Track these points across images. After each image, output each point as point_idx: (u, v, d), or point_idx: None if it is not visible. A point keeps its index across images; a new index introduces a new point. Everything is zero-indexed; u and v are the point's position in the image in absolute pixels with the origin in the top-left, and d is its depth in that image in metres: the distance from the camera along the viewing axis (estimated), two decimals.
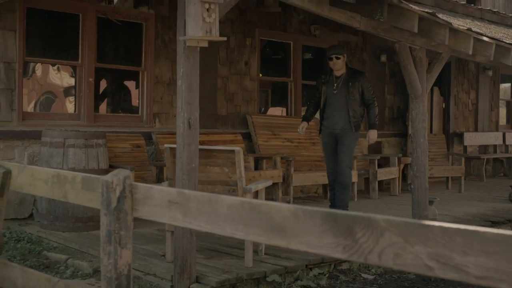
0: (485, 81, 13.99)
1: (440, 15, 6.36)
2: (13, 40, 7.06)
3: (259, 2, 9.08)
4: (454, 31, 6.19)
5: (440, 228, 1.72)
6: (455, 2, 11.77)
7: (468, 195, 10.35)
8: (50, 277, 3.60)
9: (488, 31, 8.72)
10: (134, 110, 10.63)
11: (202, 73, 4.83)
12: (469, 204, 9.31)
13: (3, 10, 6.97)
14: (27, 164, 6.71)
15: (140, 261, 5.18)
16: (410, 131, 11.11)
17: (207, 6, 4.39)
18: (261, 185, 5.32)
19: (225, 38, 4.94)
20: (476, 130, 13.74)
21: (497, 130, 14.36)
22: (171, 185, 5.01)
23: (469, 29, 6.41)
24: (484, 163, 12.97)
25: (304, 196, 9.77)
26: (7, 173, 3.59)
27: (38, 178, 3.39)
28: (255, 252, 5.37)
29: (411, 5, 5.78)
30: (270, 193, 8.13)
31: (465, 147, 13.21)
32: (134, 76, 9.44)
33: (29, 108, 9.92)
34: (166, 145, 5.18)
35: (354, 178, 8.75)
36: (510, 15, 13.72)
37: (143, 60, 8.28)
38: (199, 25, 4.38)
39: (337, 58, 7.33)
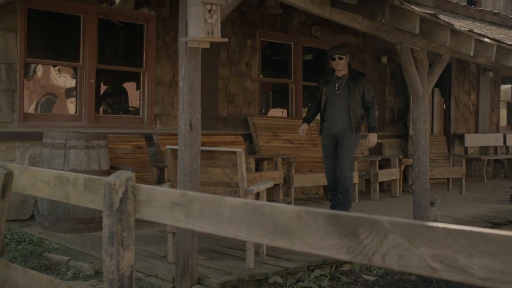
0: (486, 82, 13.99)
1: (441, 16, 6.35)
2: (14, 41, 7.06)
3: (260, 4, 9.07)
4: (455, 32, 6.19)
5: (444, 230, 1.72)
6: (456, 4, 11.76)
7: (469, 196, 10.35)
8: (52, 278, 3.60)
9: (489, 32, 8.71)
10: (131, 111, 10.64)
11: (203, 74, 4.83)
12: (470, 205, 9.31)
13: (4, 11, 6.97)
14: (28, 165, 6.71)
15: (142, 263, 5.17)
16: (411, 133, 11.13)
17: (208, 7, 4.39)
18: (262, 186, 5.32)
19: (226, 40, 4.94)
20: (476, 131, 13.73)
21: (497, 131, 14.35)
22: (173, 186, 5.01)
23: (471, 30, 6.41)
24: (485, 164, 12.97)
25: (305, 198, 9.77)
26: (9, 174, 3.58)
27: (40, 179, 3.38)
28: (257, 253, 5.36)
29: (412, 7, 5.78)
30: (271, 194, 8.12)
31: (465, 148, 13.20)
32: (135, 77, 9.43)
33: (30, 109, 9.91)
34: (167, 147, 5.18)
35: (355, 180, 8.74)
36: (511, 16, 13.72)
37: (144, 61, 8.29)
38: (200, 26, 4.38)
39: (340, 58, 7.31)
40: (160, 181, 7.50)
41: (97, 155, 6.51)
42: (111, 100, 10.46)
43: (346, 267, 5.70)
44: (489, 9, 13.13)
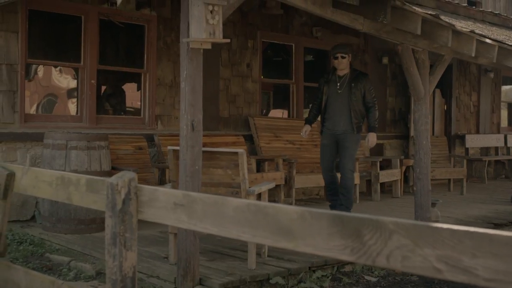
0: (487, 83, 13.99)
1: (442, 17, 6.35)
2: (15, 42, 7.06)
3: (261, 4, 9.07)
4: (457, 33, 6.19)
5: (449, 231, 1.71)
6: (457, 4, 11.76)
7: (470, 197, 10.34)
8: (54, 279, 3.59)
9: (490, 33, 8.70)
10: (131, 112, 10.63)
11: (204, 75, 4.83)
12: (471, 206, 9.30)
13: (5, 12, 6.97)
14: (29, 166, 6.70)
15: (143, 263, 5.17)
16: (411, 133, 11.14)
17: (210, 8, 4.39)
18: (264, 187, 5.32)
19: (228, 40, 4.94)
20: (477, 132, 13.73)
21: (498, 132, 14.35)
22: (174, 187, 5.01)
23: (472, 31, 6.40)
24: (486, 165, 12.96)
25: (306, 198, 9.77)
26: (11, 175, 3.58)
27: (42, 180, 3.38)
28: (258, 254, 5.36)
29: (414, 7, 5.78)
30: (272, 195, 8.12)
31: (466, 149, 13.20)
32: (136, 78, 9.44)
33: (31, 110, 9.91)
34: (169, 147, 5.18)
35: (356, 180, 8.75)
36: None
37: (145, 62, 8.29)
38: (202, 27, 4.38)
39: (343, 57, 7.28)
40: (161, 182, 7.50)
41: (98, 156, 6.51)
42: (110, 101, 10.46)
43: (347, 268, 5.69)
44: (490, 10, 13.12)
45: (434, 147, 11.02)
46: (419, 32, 5.77)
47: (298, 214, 2.07)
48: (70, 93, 11.10)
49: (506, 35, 9.59)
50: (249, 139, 9.12)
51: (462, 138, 13.16)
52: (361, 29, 6.04)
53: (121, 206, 2.72)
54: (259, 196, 5.33)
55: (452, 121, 13.07)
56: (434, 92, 12.00)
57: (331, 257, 2.00)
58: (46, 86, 11.04)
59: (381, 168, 9.86)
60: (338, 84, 7.34)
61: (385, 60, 11.28)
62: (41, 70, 10.69)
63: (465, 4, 12.37)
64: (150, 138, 8.00)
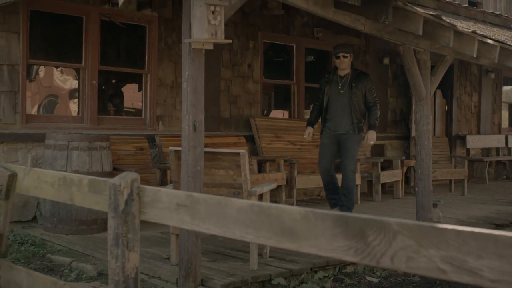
0: (488, 83, 13.98)
1: (443, 18, 6.34)
2: (17, 42, 7.06)
3: (262, 5, 9.07)
4: (458, 33, 6.18)
5: (454, 231, 1.71)
6: (458, 5, 11.75)
7: (471, 198, 10.34)
8: (56, 280, 3.59)
9: (492, 33, 8.70)
10: (130, 113, 10.63)
11: (205, 76, 4.82)
12: (473, 206, 9.30)
13: (7, 13, 6.97)
14: (31, 167, 6.70)
15: (145, 264, 5.16)
16: (413, 134, 11.13)
17: (212, 8, 4.39)
18: (266, 188, 5.31)
19: (230, 41, 4.94)
20: (478, 132, 13.73)
21: (499, 132, 14.34)
22: (176, 187, 5.00)
23: (474, 32, 6.40)
24: (487, 166, 12.95)
25: (307, 199, 9.76)
26: (13, 176, 3.58)
27: (44, 180, 3.38)
28: (260, 255, 5.36)
29: (416, 8, 5.78)
30: (273, 196, 8.11)
31: (467, 150, 13.20)
32: (137, 79, 9.43)
33: (33, 110, 9.91)
34: (171, 148, 5.17)
35: (357, 181, 8.74)
36: None
37: (146, 63, 8.29)
38: (204, 27, 4.38)
39: (345, 57, 7.25)
40: (162, 183, 7.50)
41: (99, 156, 6.51)
42: (108, 101, 10.46)
43: (349, 269, 5.69)
44: (491, 11, 13.11)
45: (435, 148, 11.02)
46: (420, 32, 5.76)
47: (302, 214, 2.07)
48: (71, 93, 11.10)
49: (508, 36, 9.58)
50: (250, 139, 9.12)
51: (463, 139, 13.15)
52: (363, 30, 6.03)
53: (124, 207, 2.71)
54: (260, 197, 5.32)
55: (453, 121, 13.07)
56: (435, 92, 11.96)
57: (335, 258, 2.00)
58: (47, 86, 11.04)
59: (382, 169, 9.86)
60: (340, 84, 7.31)
61: (386, 61, 11.28)
62: (42, 71, 10.70)
63: (466, 5, 12.36)
64: (151, 139, 8.00)
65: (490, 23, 12.50)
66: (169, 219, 2.65)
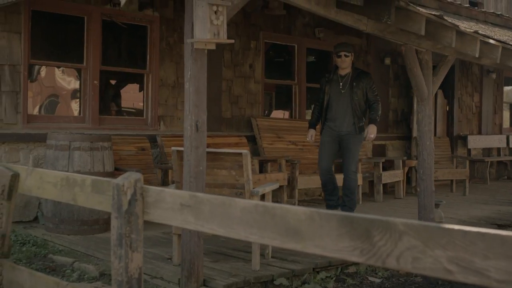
0: (489, 84, 13.97)
1: (445, 18, 6.33)
2: (18, 42, 7.05)
3: (263, 5, 9.06)
4: (460, 33, 6.17)
5: (460, 232, 1.70)
6: (459, 5, 11.74)
7: (472, 198, 10.33)
8: (59, 280, 3.58)
9: (493, 34, 8.69)
10: (127, 113, 10.62)
11: (207, 76, 4.80)
12: (474, 207, 9.29)
13: (8, 13, 6.96)
14: (32, 167, 6.69)
15: (147, 264, 5.16)
16: (414, 134, 11.13)
17: (215, 8, 4.38)
18: (268, 188, 5.31)
19: (232, 41, 4.94)
20: (480, 133, 13.72)
21: (500, 133, 14.33)
22: (178, 188, 4.99)
23: (476, 32, 6.39)
24: (488, 166, 12.94)
25: (309, 199, 9.76)
26: (15, 176, 3.57)
27: (46, 181, 3.37)
28: (262, 255, 5.35)
29: (418, 8, 5.77)
30: (275, 196, 8.09)
31: (469, 150, 13.19)
32: (138, 79, 9.42)
33: (34, 111, 9.91)
34: (173, 148, 5.17)
35: (359, 181, 8.72)
36: None
37: (148, 63, 8.28)
38: (206, 27, 4.37)
39: (346, 56, 7.22)
40: (164, 183, 7.49)
41: (101, 156, 6.50)
42: (110, 101, 10.45)
43: (351, 269, 5.68)
44: (492, 11, 13.11)
45: (437, 148, 11.00)
46: (423, 32, 5.75)
47: (307, 215, 2.06)
48: (73, 93, 11.10)
49: (509, 36, 9.57)
50: (252, 140, 9.11)
51: (464, 139, 13.14)
52: (365, 30, 6.02)
53: (127, 207, 2.71)
54: (262, 197, 5.31)
55: (454, 122, 13.06)
56: (436, 93, 11.97)
57: (341, 258, 1.99)
58: (49, 86, 11.04)
59: (384, 169, 9.84)
60: (341, 83, 7.28)
61: (387, 61, 11.27)
62: (43, 71, 10.69)
63: (467, 5, 12.35)
64: (152, 139, 7.99)
65: (491, 23, 12.49)
66: (173, 220, 2.65)
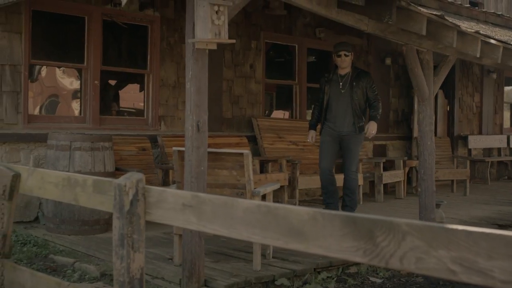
0: (489, 84, 13.97)
1: (446, 18, 6.33)
2: (19, 42, 7.05)
3: (264, 5, 9.06)
4: (461, 33, 6.17)
5: (464, 232, 1.70)
6: (459, 5, 11.74)
7: (473, 198, 10.33)
8: (60, 281, 3.58)
9: (494, 34, 8.69)
10: (127, 113, 10.61)
11: (207, 76, 4.80)
12: (475, 207, 9.29)
13: (9, 13, 6.96)
14: (33, 167, 6.69)
15: (148, 265, 5.15)
16: (415, 134, 11.12)
17: (216, 8, 4.37)
18: (269, 188, 5.30)
19: (234, 41, 4.93)
20: (480, 133, 13.72)
21: (501, 133, 14.33)
22: (179, 188, 4.99)
23: (477, 32, 6.39)
24: (489, 166, 12.94)
25: (309, 199, 9.75)
26: (17, 176, 3.56)
27: (48, 181, 3.36)
28: (263, 255, 5.34)
29: (419, 8, 5.76)
30: (276, 196, 8.08)
31: (469, 150, 13.18)
32: (139, 79, 9.42)
33: (35, 111, 9.90)
34: (174, 148, 5.16)
35: (360, 181, 8.72)
36: None
37: (148, 63, 8.28)
38: (208, 27, 4.37)
39: (346, 55, 7.21)
40: (164, 183, 7.48)
41: (102, 156, 6.50)
42: (111, 101, 10.45)
43: (352, 269, 5.67)
44: (492, 11, 13.10)
45: (437, 148, 10.97)
46: (424, 32, 5.75)
47: (310, 215, 2.05)
48: (74, 94, 11.09)
49: (510, 36, 9.57)
50: (253, 140, 9.11)
51: (465, 139, 13.13)
52: (366, 30, 6.02)
53: (129, 207, 2.70)
54: (263, 197, 5.31)
55: (455, 122, 13.05)
56: (437, 93, 11.96)
57: (344, 259, 1.99)
58: (50, 87, 11.03)
59: (384, 169, 9.84)
60: (341, 83, 7.26)
61: (388, 61, 11.26)
62: (44, 71, 10.69)
63: (468, 5, 12.35)
64: (153, 139, 7.99)
65: (492, 23, 12.49)
66: (175, 220, 2.64)
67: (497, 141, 13.88)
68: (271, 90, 11.98)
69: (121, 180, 2.73)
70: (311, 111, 8.72)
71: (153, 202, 2.71)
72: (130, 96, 11.12)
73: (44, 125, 7.26)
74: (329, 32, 10.11)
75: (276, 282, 4.98)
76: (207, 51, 4.61)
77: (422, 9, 5.83)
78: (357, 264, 5.57)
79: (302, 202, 9.11)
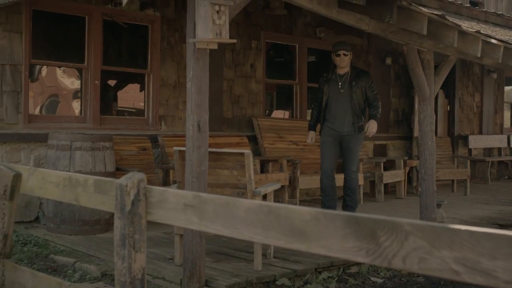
0: (490, 83, 13.96)
1: (447, 18, 6.32)
2: (19, 42, 7.04)
3: (265, 5, 9.06)
4: (462, 33, 6.16)
5: (467, 232, 1.69)
6: (460, 5, 11.74)
7: (473, 198, 10.32)
8: (61, 281, 3.58)
9: (494, 33, 8.68)
10: (128, 113, 10.60)
11: (208, 76, 4.79)
12: (476, 207, 9.28)
13: (9, 13, 6.95)
14: (34, 167, 6.68)
15: (149, 265, 5.14)
16: (415, 134, 11.11)
17: (217, 8, 4.37)
18: (270, 188, 5.30)
19: (235, 41, 4.93)
20: (480, 133, 13.71)
21: (501, 133, 14.33)
22: (180, 188, 4.98)
23: (478, 32, 6.38)
24: (489, 166, 12.93)
25: (310, 199, 9.74)
26: (17, 176, 3.56)
27: (49, 181, 3.36)
28: (264, 255, 5.34)
29: (420, 8, 5.76)
30: (276, 196, 8.07)
31: (469, 150, 13.18)
32: (139, 79, 9.42)
33: (35, 110, 9.89)
34: (175, 148, 5.16)
35: (360, 181, 8.71)
36: None
37: (149, 63, 8.27)
38: (209, 27, 4.36)
39: (345, 55, 7.19)
40: (165, 183, 7.48)
41: (102, 156, 6.49)
42: (111, 101, 10.44)
43: (353, 269, 5.67)
44: (492, 11, 13.10)
45: (438, 148, 10.94)
46: (425, 32, 5.74)
47: (312, 215, 2.05)
48: (74, 93, 11.09)
49: (510, 36, 9.57)
50: (253, 139, 9.10)
51: (465, 139, 13.13)
52: (367, 30, 6.01)
53: (130, 207, 2.70)
54: (264, 197, 5.31)
55: (455, 121, 13.04)
56: (437, 93, 11.96)
57: (346, 259, 1.98)
58: (50, 86, 11.03)
59: (385, 169, 9.83)
60: (340, 83, 7.24)
61: (388, 61, 11.26)
62: (44, 71, 10.68)
63: (468, 5, 12.35)
64: (153, 139, 7.98)
65: (492, 23, 12.49)
66: (176, 220, 2.64)
67: (497, 141, 13.88)
68: (271, 90, 11.97)
69: (123, 180, 2.72)
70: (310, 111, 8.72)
71: (154, 202, 2.70)
72: (131, 96, 11.11)
73: (45, 125, 7.26)
74: (329, 32, 10.11)
75: (277, 282, 4.97)
76: (208, 50, 4.61)
77: (423, 8, 5.82)
78: (358, 264, 5.56)
79: (302, 202, 9.11)
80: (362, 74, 7.32)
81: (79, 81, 9.13)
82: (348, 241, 1.95)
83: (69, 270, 5.33)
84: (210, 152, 4.79)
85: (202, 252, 4.67)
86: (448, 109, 13.00)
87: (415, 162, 10.27)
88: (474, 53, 6.33)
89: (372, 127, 7.03)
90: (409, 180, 11.04)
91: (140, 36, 8.46)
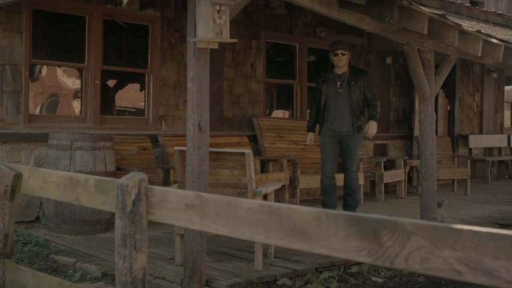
0: (490, 83, 13.96)
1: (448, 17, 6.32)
2: (20, 42, 7.04)
3: (265, 4, 9.05)
4: (463, 33, 6.16)
5: (469, 232, 1.69)
6: (460, 4, 11.73)
7: (474, 198, 10.32)
8: (62, 281, 3.57)
9: (495, 33, 8.68)
10: (128, 112, 10.60)
11: (208, 75, 4.79)
12: (476, 206, 9.28)
13: (9, 12, 6.95)
14: (34, 167, 6.68)
15: (149, 264, 5.14)
16: (415, 134, 11.10)
17: (217, 7, 4.36)
18: (271, 188, 5.30)
19: (235, 40, 4.92)
20: (481, 132, 13.71)
21: (501, 132, 14.32)
22: (180, 187, 4.98)
23: (479, 31, 6.38)
24: (489, 166, 12.93)
25: (310, 199, 9.74)
26: (18, 176, 3.56)
27: (49, 181, 3.36)
28: (264, 255, 5.33)
29: (421, 7, 5.75)
30: (276, 196, 8.06)
31: (470, 150, 13.17)
32: (140, 79, 9.41)
33: (35, 110, 9.89)
34: (175, 148, 5.16)
35: (361, 181, 8.70)
36: None
37: (149, 62, 8.27)
38: (209, 27, 4.36)
39: (343, 54, 7.17)
40: (165, 183, 7.48)
41: (103, 156, 6.49)
42: (112, 101, 10.44)
43: (354, 269, 5.67)
44: (493, 10, 13.10)
45: (438, 147, 10.92)
46: (425, 32, 5.74)
47: (313, 215, 2.05)
48: (74, 93, 11.09)
49: (511, 35, 9.56)
50: (253, 139, 9.10)
51: (465, 139, 13.12)
52: (367, 29, 6.00)
53: (131, 207, 2.69)
54: (265, 197, 5.30)
55: (456, 121, 13.04)
56: (437, 92, 11.96)
57: (348, 259, 1.98)
58: (50, 86, 11.03)
59: (385, 169, 9.83)
60: (338, 83, 7.22)
61: (388, 60, 11.25)
62: (45, 71, 10.68)
63: (468, 4, 12.34)
64: (154, 139, 7.97)
65: (493, 22, 12.49)
66: (178, 220, 2.63)
67: (497, 140, 13.87)
68: (271, 89, 11.98)
69: (124, 180, 2.72)
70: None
71: (155, 202, 2.70)
72: (131, 95, 11.12)
73: (45, 125, 7.25)
74: (329, 32, 10.10)
75: (277, 282, 4.97)
76: (208, 50, 4.60)
77: (423, 8, 5.82)
78: (358, 263, 5.56)
79: (303, 202, 9.11)
80: (361, 73, 7.30)
81: (79, 81, 9.13)
82: (350, 241, 1.95)
83: (70, 270, 5.32)
84: (210, 152, 4.79)
85: (203, 252, 4.67)
86: (449, 108, 13.00)
87: (415, 162, 10.27)
88: (474, 52, 6.33)
89: (372, 127, 7.02)
90: (410, 179, 11.04)
91: (140, 36, 8.46)
